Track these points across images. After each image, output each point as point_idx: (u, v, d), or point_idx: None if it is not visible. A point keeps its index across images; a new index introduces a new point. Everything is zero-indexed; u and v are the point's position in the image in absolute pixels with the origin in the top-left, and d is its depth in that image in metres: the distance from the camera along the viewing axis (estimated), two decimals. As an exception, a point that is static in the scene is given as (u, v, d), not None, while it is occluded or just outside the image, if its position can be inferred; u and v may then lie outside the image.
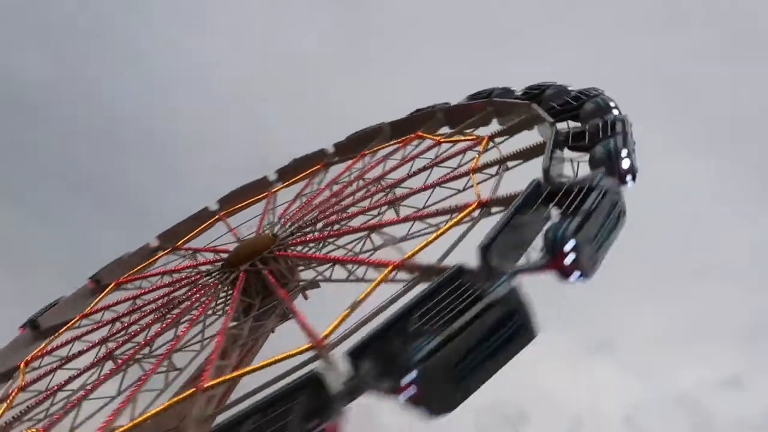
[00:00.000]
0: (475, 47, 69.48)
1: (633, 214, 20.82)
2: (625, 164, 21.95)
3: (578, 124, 26.62)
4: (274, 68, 76.54)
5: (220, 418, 18.15)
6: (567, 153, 25.35)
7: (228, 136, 75.54)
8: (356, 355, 16.52)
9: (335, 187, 33.95)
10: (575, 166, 23.68)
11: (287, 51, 78.58)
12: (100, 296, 34.48)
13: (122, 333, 29.13)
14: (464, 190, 26.65)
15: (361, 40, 76.99)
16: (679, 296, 60.27)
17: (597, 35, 69.05)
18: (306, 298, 28.60)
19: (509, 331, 15.85)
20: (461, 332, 15.33)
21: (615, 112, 25.94)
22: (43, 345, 30.67)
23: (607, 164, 21.99)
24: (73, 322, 31.93)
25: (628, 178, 21.95)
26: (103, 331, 30.17)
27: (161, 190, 69.75)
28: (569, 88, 30.19)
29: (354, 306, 20.47)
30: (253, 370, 20.43)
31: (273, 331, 28.70)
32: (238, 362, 24.21)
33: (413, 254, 22.24)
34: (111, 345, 28.28)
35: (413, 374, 14.76)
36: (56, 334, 31.43)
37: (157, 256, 37.25)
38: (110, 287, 34.85)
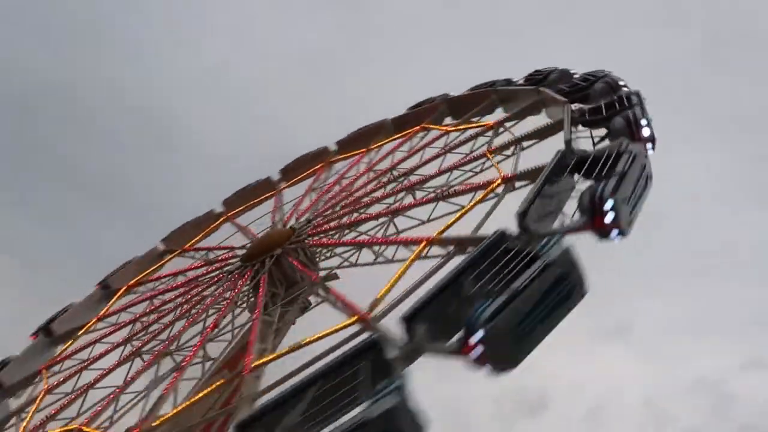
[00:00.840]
0: (475, 47, 69.81)
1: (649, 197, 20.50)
2: (646, 132, 22.49)
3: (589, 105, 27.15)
4: (274, 68, 76.81)
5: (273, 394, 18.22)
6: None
7: (229, 135, 75.42)
8: (411, 319, 16.79)
9: (344, 182, 34.21)
10: (594, 140, 24.29)
11: (287, 51, 78.96)
12: (114, 299, 34.24)
13: (144, 332, 29.00)
14: (482, 171, 26.98)
15: (361, 39, 77.24)
16: (697, 280, 60.67)
17: (597, 35, 70.40)
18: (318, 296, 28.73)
19: (564, 291, 16.13)
20: (522, 293, 15.54)
21: (645, 132, 23.56)
22: (63, 348, 30.39)
23: (628, 134, 22.50)
24: (90, 325, 31.71)
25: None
26: (123, 333, 30.04)
27: (163, 189, 69.97)
28: (572, 71, 30.74)
29: (394, 282, 20.82)
30: (303, 345, 20.46)
31: (294, 323, 28.89)
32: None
33: (445, 229, 22.60)
34: (136, 343, 28.11)
35: (480, 334, 14.92)
36: (73, 339, 31.14)
37: (165, 260, 37.15)
38: (122, 290, 34.65)
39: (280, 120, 72.27)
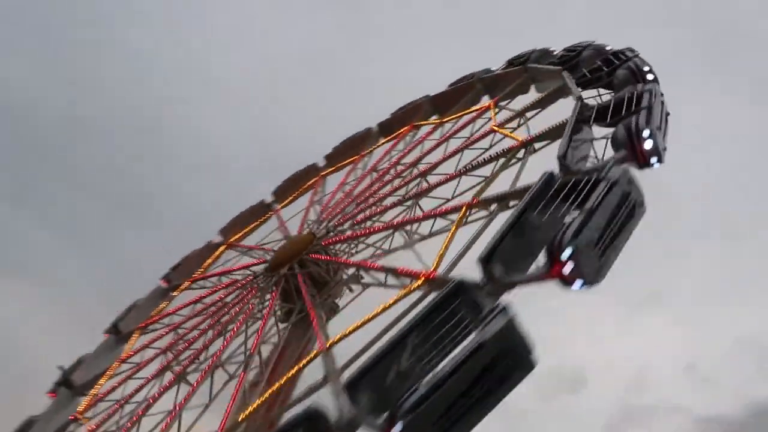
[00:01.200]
0: (475, 47, 67.81)
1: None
2: (648, 145, 20.00)
3: (610, 93, 24.97)
4: (274, 68, 77.36)
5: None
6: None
7: (229, 137, 76.55)
8: (352, 387, 16.53)
9: (347, 188, 33.95)
10: (602, 146, 22.10)
11: (287, 51, 78.93)
12: (173, 295, 36.13)
13: (183, 339, 30.78)
14: (493, 145, 26.67)
15: (361, 40, 76.62)
16: (725, 241, 58.91)
17: (597, 35, 67.05)
18: (351, 290, 28.89)
19: (503, 369, 15.20)
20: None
21: (649, 77, 23.99)
22: (125, 353, 32.71)
23: (628, 146, 20.22)
24: (145, 323, 34.06)
25: (653, 159, 20.03)
26: (169, 337, 32.08)
27: (165, 193, 71.93)
28: (551, 49, 29.30)
29: (365, 322, 20.71)
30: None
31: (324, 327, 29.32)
32: (280, 370, 25.13)
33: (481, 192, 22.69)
34: (171, 354, 29.92)
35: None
36: (131, 341, 33.59)
37: (219, 252, 38.71)
38: (180, 287, 36.60)
39: (280, 120, 73.05)
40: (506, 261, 18.15)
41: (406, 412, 14.57)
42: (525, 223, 19.05)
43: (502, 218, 22.15)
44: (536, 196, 19.58)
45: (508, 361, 15.28)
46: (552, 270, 16.46)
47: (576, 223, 16.83)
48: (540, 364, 15.71)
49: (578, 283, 16.51)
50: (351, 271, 28.15)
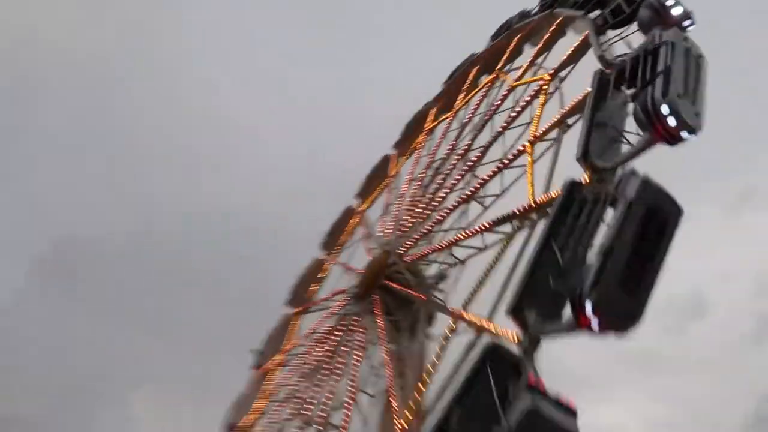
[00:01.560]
0: (476, 48, 71.14)
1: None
2: (677, 11, 20.57)
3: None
4: (274, 67, 79.51)
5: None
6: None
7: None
8: (517, 310, 16.39)
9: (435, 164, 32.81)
10: (629, 41, 22.59)
11: (287, 52, 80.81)
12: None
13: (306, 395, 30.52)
14: (509, 235, 23.81)
15: (361, 40, 77.82)
16: None
17: None
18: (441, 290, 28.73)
19: (658, 223, 15.07)
20: (614, 243, 14.63)
21: (675, 11, 21.16)
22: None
23: (659, 21, 20.69)
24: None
25: (686, 23, 20.28)
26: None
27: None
28: None
29: (487, 272, 20.64)
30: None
31: (429, 335, 29.07)
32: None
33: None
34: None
35: (589, 304, 14.20)
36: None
37: (297, 321, 38.54)
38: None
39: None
40: (600, 152, 18.35)
41: (589, 290, 14.32)
42: (600, 119, 19.26)
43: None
44: (598, 93, 19.93)
45: (657, 215, 15.25)
46: (657, 131, 16.60)
47: (659, 83, 16.99)
48: (655, 300, 14.97)
49: (685, 133, 16.65)
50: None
